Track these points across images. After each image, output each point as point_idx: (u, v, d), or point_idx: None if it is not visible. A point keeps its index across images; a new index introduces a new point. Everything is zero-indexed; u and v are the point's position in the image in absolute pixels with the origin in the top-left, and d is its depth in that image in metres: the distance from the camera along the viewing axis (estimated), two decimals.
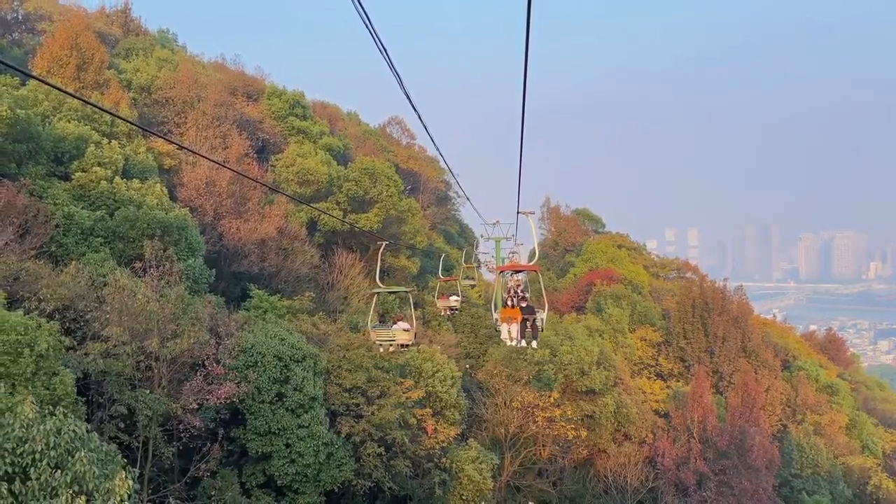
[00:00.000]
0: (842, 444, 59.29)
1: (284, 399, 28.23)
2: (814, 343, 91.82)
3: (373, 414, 31.21)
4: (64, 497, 10.46)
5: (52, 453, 11.03)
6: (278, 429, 27.74)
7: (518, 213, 20.42)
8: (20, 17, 63.34)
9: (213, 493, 26.11)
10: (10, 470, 10.68)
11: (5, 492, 10.37)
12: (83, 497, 10.84)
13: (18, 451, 10.93)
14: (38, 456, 10.95)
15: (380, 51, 8.18)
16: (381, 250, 25.42)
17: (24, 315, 19.21)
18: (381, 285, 25.03)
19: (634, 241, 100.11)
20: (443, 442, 35.17)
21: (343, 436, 30.32)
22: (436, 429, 35.23)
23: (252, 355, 28.25)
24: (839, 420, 61.46)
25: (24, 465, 10.77)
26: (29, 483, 10.61)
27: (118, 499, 11.17)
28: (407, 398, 33.37)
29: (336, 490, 29.91)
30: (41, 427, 11.15)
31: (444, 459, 34.88)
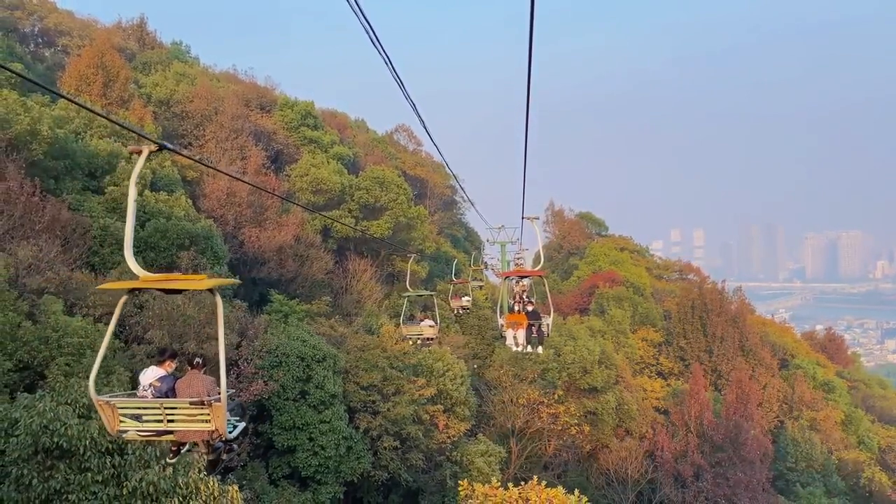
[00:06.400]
0: (837, 440, 61.01)
1: (307, 396, 30.44)
2: (813, 342, 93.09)
3: (388, 410, 33.37)
4: (155, 468, 12.75)
5: None
6: (302, 424, 29.89)
7: (523, 218, 21.22)
8: (37, 31, 66.03)
9: (243, 483, 28.30)
10: (109, 447, 12.98)
11: (108, 464, 12.67)
12: (170, 468, 13.14)
13: None
14: None
15: (388, 67, 8.54)
16: (411, 262, 29.11)
17: (81, 320, 21.59)
18: (410, 289, 28.79)
19: (637, 244, 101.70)
20: (453, 436, 37.36)
21: (361, 430, 32.48)
22: (447, 424, 37.40)
23: (277, 356, 30.46)
24: (835, 416, 63.15)
25: (120, 442, 13.05)
26: (126, 457, 12.91)
27: (196, 469, 13.48)
28: (420, 395, 35.52)
29: (355, 481, 32.07)
30: None
31: (454, 453, 37.00)
